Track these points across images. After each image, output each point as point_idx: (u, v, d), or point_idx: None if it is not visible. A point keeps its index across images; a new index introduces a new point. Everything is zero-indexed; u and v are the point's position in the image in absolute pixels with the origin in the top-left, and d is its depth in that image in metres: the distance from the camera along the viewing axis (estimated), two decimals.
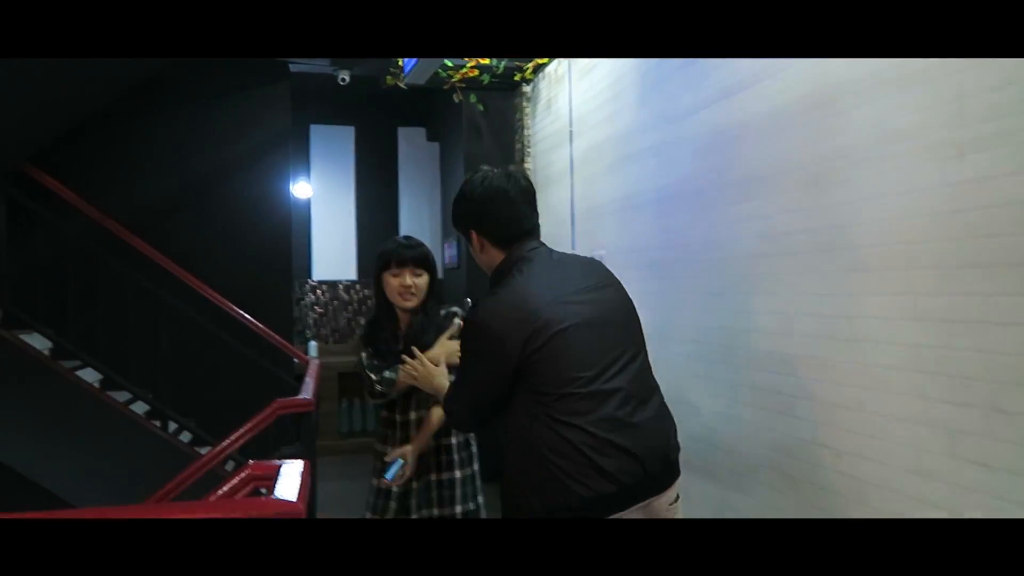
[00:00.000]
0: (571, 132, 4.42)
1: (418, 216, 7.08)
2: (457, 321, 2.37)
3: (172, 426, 4.24)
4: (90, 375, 4.05)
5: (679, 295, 3.21)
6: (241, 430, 2.52)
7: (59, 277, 4.12)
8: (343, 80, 5.21)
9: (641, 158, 3.51)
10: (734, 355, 2.79)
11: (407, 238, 2.43)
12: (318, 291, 6.89)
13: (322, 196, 6.88)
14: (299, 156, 6.63)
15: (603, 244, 4.02)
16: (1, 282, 3.83)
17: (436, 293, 2.44)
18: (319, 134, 6.89)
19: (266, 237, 5.15)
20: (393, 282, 2.34)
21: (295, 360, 5.05)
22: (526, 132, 5.27)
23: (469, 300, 2.59)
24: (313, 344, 6.67)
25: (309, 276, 6.85)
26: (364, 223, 7.01)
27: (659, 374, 1.83)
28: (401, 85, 5.02)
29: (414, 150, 7.07)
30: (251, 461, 1.57)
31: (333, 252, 6.92)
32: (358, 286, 7.00)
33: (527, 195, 1.82)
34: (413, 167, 7.08)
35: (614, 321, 1.72)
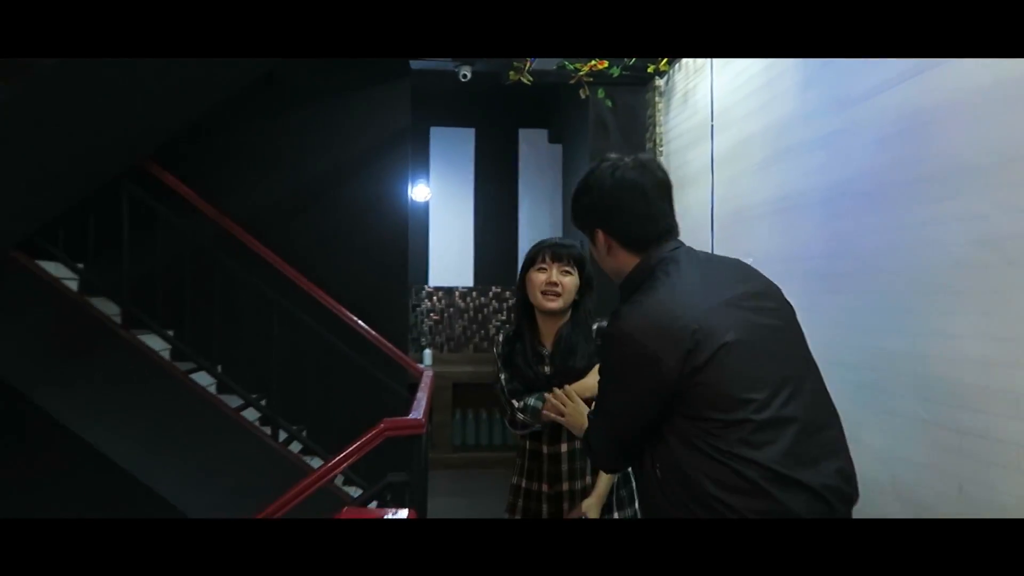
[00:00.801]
0: (712, 127, 3.96)
1: (538, 221, 6.77)
2: None
3: (283, 435, 4.08)
4: (203, 379, 3.95)
5: (850, 313, 2.70)
6: (345, 451, 2.25)
7: (177, 278, 4.05)
8: (464, 76, 4.97)
9: (804, 152, 3.02)
10: (927, 388, 2.27)
11: (553, 237, 2.17)
12: (434, 298, 6.70)
13: (440, 200, 6.69)
14: (418, 159, 6.47)
15: (750, 252, 3.53)
16: (122, 282, 3.78)
17: (588, 308, 2.12)
18: (439, 136, 6.71)
19: (383, 241, 4.96)
20: (538, 278, 2.04)
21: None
22: (658, 130, 4.84)
23: None
24: (428, 352, 6.48)
25: (426, 282, 6.67)
26: (482, 228, 6.77)
27: None
28: (525, 80, 4.72)
29: (535, 152, 6.78)
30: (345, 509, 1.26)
31: (450, 258, 6.72)
32: (474, 293, 6.76)
33: (664, 189, 1.52)
34: (534, 170, 6.79)
35: (782, 333, 1.46)
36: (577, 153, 5.59)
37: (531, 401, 2.03)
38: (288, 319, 4.07)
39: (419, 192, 6.52)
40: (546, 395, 1.96)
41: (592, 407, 1.62)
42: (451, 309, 6.72)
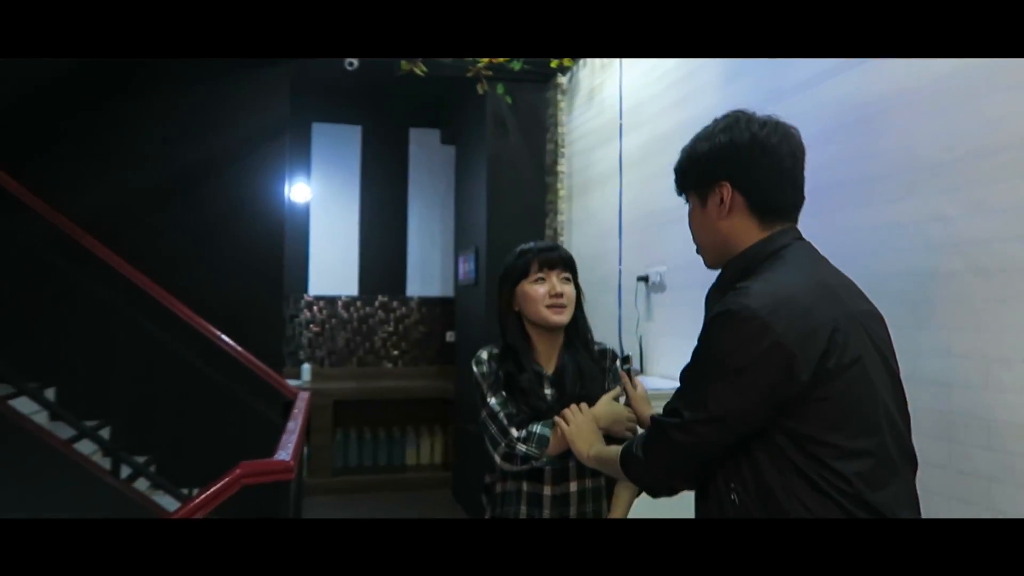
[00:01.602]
0: (621, 126, 3.68)
1: (429, 227, 6.36)
2: (626, 367, 1.88)
3: (127, 469, 3.46)
4: (26, 405, 3.28)
5: None
6: (191, 503, 1.76)
7: None
8: (351, 65, 4.49)
9: None
10: None
11: (539, 241, 1.88)
12: (314, 308, 6.13)
13: (323, 202, 6.14)
14: (298, 156, 5.90)
15: (663, 260, 3.27)
16: None
17: (586, 322, 1.86)
18: (322, 133, 6.16)
19: (256, 245, 4.37)
20: (537, 291, 1.76)
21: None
22: (560, 130, 4.54)
23: (623, 359, 1.86)
24: (306, 367, 5.91)
25: (305, 291, 6.09)
26: (368, 233, 6.27)
27: None
28: (418, 71, 4.30)
29: (427, 154, 6.36)
30: None
31: (333, 265, 6.17)
32: (359, 303, 6.24)
33: (802, 163, 1.30)
34: (425, 173, 6.37)
35: (889, 365, 1.25)
36: (472, 155, 5.22)
37: (537, 429, 1.68)
38: (137, 333, 3.46)
39: (298, 192, 5.95)
40: (556, 419, 1.68)
41: (666, 405, 1.28)
42: (333, 320, 6.18)
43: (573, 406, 1.67)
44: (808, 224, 2.32)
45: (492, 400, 1.73)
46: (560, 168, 4.53)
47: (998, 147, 1.68)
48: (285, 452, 2.10)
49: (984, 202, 1.71)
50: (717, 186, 1.26)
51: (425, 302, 6.38)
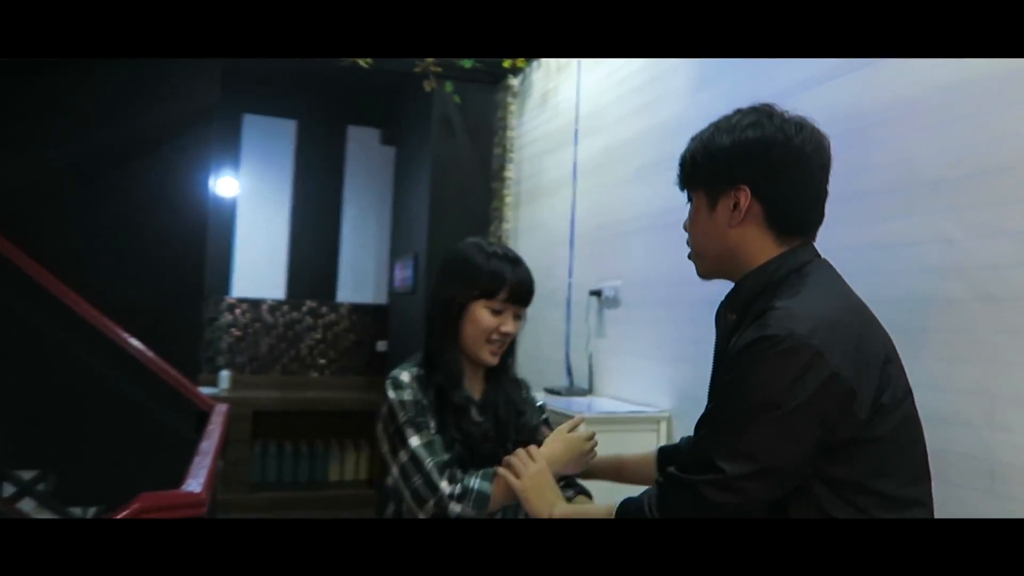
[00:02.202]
0: (576, 131, 3.50)
1: (364, 230, 6.04)
2: (545, 417, 1.68)
3: (10, 487, 3.05)
4: None
5: None
6: None
7: None
8: None
9: None
10: None
11: (507, 251, 1.56)
12: (237, 311, 5.73)
13: (251, 198, 5.75)
14: (226, 148, 5.51)
15: (618, 274, 3.09)
16: None
17: (511, 358, 1.64)
18: (254, 125, 5.78)
19: (174, 241, 3.98)
20: (488, 320, 1.49)
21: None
22: (510, 133, 4.34)
23: (540, 397, 1.74)
24: (225, 374, 5.50)
25: (227, 292, 5.69)
26: (299, 234, 5.90)
27: None
28: (362, 63, 4.03)
29: (366, 154, 6.05)
30: None
31: (259, 265, 5.78)
32: (285, 307, 5.87)
33: (828, 177, 1.13)
34: (363, 173, 6.05)
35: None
36: (415, 157, 4.96)
37: (475, 484, 1.36)
38: (31, 331, 3.06)
39: (225, 186, 5.56)
40: (500, 470, 1.38)
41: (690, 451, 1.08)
42: (257, 324, 5.78)
43: (521, 452, 1.39)
44: None
45: (415, 441, 1.40)
46: (507, 174, 4.32)
47: (1010, 164, 1.55)
48: (196, 482, 1.78)
49: (993, 224, 1.57)
50: (734, 189, 1.08)
51: (356, 309, 6.05)
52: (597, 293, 3.21)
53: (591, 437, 1.47)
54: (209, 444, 2.33)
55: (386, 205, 5.91)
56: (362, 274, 6.09)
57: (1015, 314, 1.52)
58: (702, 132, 1.17)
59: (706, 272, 1.19)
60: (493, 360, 1.51)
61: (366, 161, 6.05)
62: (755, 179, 1.07)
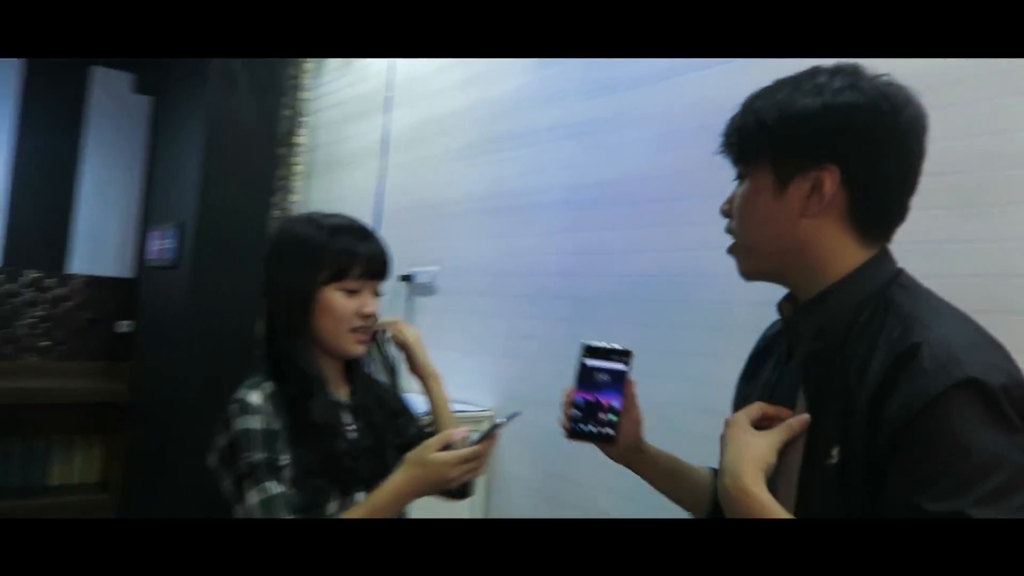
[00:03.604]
0: (388, 98, 3.18)
1: (108, 190, 5.13)
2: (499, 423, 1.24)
3: None
4: None
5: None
6: None
7: None
8: None
9: (538, 141, 2.42)
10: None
11: (351, 221, 1.30)
12: None
13: None
14: None
15: (436, 259, 2.83)
16: None
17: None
18: None
19: None
20: (346, 307, 1.25)
21: None
22: (303, 94, 3.87)
23: (499, 419, 1.28)
24: None
25: None
26: (21, 191, 4.87)
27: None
28: None
29: (114, 101, 5.14)
30: None
31: None
32: (1, 276, 4.83)
33: (923, 162, 0.87)
34: (110, 124, 5.13)
35: None
36: (182, 111, 4.28)
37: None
38: None
39: None
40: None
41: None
42: None
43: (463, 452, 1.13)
44: (632, 235, 2.08)
45: (254, 497, 1.11)
46: (299, 139, 3.86)
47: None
48: None
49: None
50: (817, 169, 0.84)
51: (93, 282, 5.14)
52: (408, 279, 2.93)
53: (469, 459, 1.15)
54: None
55: (138, 164, 5.07)
56: (102, 242, 5.18)
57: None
58: (766, 91, 0.91)
59: (756, 271, 0.95)
60: (361, 350, 1.29)
61: (114, 111, 5.14)
62: (848, 158, 0.83)
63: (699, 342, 1.90)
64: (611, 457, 1.08)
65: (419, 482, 1.13)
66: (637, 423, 1.06)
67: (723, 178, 1.86)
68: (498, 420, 1.20)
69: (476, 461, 1.16)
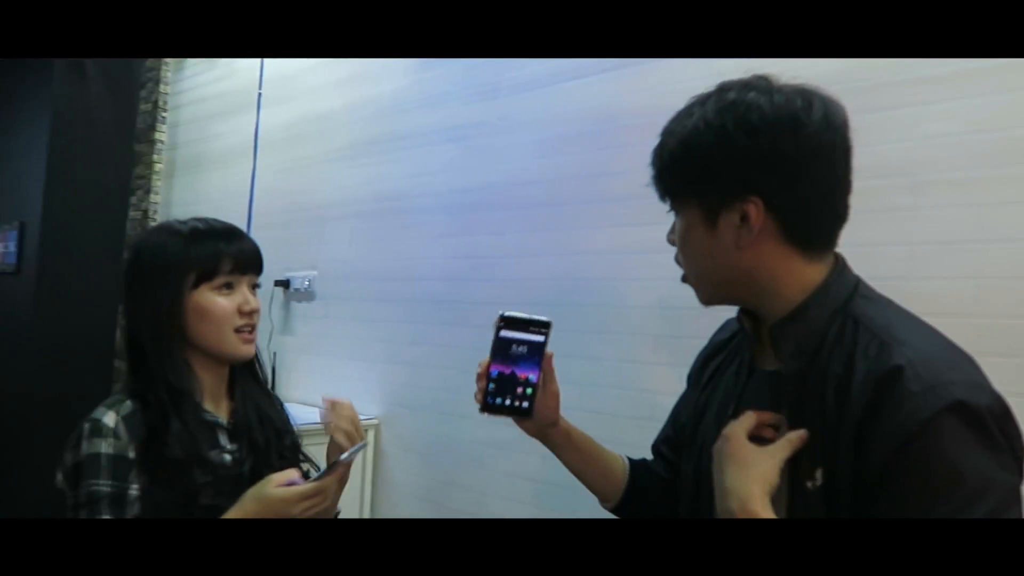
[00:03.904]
0: (259, 96, 3.04)
1: None
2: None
3: None
4: None
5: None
6: None
7: None
8: None
9: (419, 143, 2.38)
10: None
11: (213, 222, 1.19)
12: None
13: None
14: None
15: (314, 263, 2.74)
16: None
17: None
18: None
19: None
20: (224, 305, 1.16)
21: None
22: (162, 88, 3.63)
23: (343, 455, 1.16)
24: None
25: None
26: None
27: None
28: None
29: None
30: None
31: None
32: None
33: (851, 160, 0.83)
34: None
35: None
36: (23, 99, 3.90)
37: None
38: None
39: None
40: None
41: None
42: None
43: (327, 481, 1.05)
44: (514, 239, 2.10)
45: (92, 483, 1.02)
46: (159, 136, 3.62)
47: None
48: None
49: None
50: (740, 201, 0.80)
51: None
52: (284, 284, 2.81)
53: (311, 495, 1.05)
54: None
55: None
56: None
57: None
58: (677, 123, 0.85)
59: (710, 299, 0.90)
60: (249, 351, 1.18)
61: None
62: (766, 186, 0.79)
63: (584, 345, 1.93)
64: (527, 431, 1.03)
65: (256, 518, 1.03)
66: (555, 397, 1.00)
67: (603, 185, 1.92)
68: (342, 456, 1.12)
69: (319, 497, 1.06)
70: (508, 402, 0.96)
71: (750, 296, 0.86)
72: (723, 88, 0.83)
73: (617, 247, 1.89)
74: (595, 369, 1.90)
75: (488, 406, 0.95)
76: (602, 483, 1.07)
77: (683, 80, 1.77)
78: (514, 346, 0.96)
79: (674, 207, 0.87)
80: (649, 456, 1.10)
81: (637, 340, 1.83)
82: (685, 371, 1.76)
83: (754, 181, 0.78)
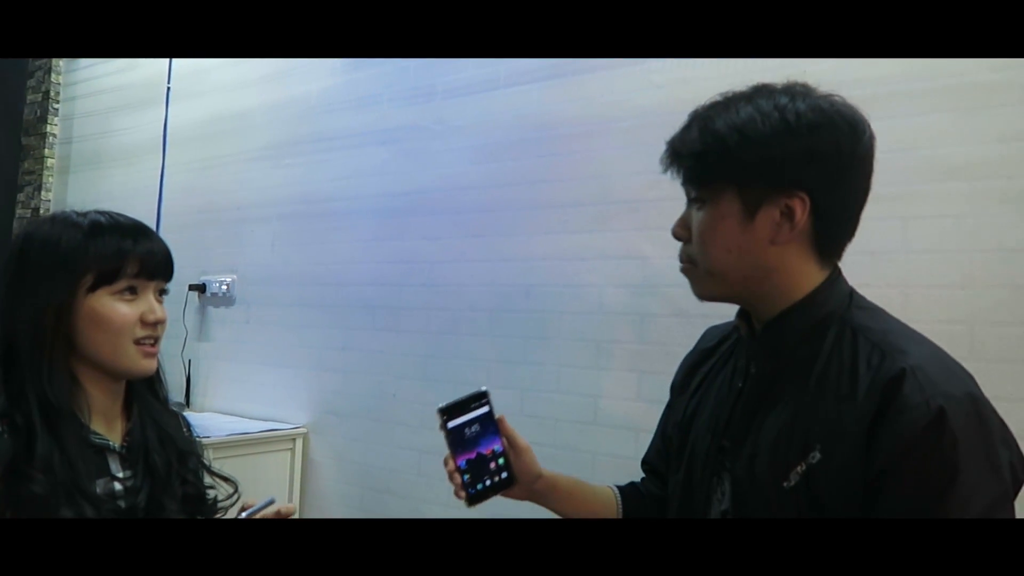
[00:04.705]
0: (168, 90, 2.89)
1: None
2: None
3: None
4: None
5: (420, 359, 2.14)
6: None
7: None
8: None
9: (348, 145, 2.33)
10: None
11: (119, 218, 1.02)
12: None
13: None
14: None
15: (232, 267, 2.63)
16: None
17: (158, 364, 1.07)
18: None
19: None
20: (125, 313, 0.99)
21: None
22: (56, 78, 3.39)
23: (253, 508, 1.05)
24: None
25: None
26: None
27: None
28: None
29: None
30: None
31: None
32: None
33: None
34: None
35: None
36: None
37: None
38: None
39: None
40: None
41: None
42: None
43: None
44: (452, 244, 2.09)
45: None
46: (50, 129, 3.38)
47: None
48: None
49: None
50: (785, 196, 0.81)
51: None
52: (199, 288, 2.69)
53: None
54: None
55: None
56: None
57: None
58: (719, 108, 0.85)
59: (714, 294, 0.88)
60: (150, 366, 1.04)
61: None
62: (816, 185, 0.81)
63: (522, 350, 1.95)
64: (518, 498, 1.02)
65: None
66: (527, 451, 0.99)
67: (541, 192, 1.94)
68: (243, 514, 1.04)
69: None
70: (489, 482, 0.95)
71: (756, 296, 0.87)
72: (767, 88, 0.84)
73: (555, 253, 1.91)
74: (537, 374, 1.92)
75: (473, 497, 0.94)
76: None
77: (619, 91, 1.82)
78: (466, 430, 0.94)
79: (703, 195, 0.85)
80: (634, 474, 1.10)
81: (578, 345, 1.86)
82: (627, 375, 1.81)
83: (805, 177, 0.80)
